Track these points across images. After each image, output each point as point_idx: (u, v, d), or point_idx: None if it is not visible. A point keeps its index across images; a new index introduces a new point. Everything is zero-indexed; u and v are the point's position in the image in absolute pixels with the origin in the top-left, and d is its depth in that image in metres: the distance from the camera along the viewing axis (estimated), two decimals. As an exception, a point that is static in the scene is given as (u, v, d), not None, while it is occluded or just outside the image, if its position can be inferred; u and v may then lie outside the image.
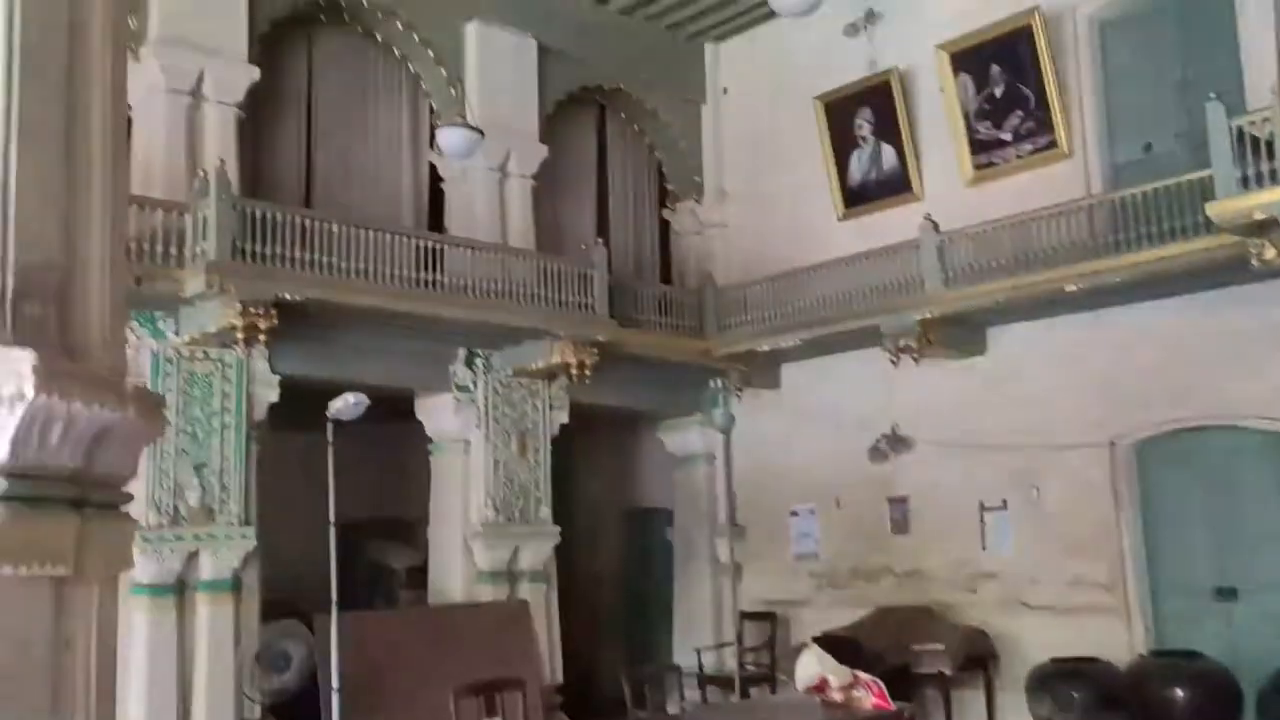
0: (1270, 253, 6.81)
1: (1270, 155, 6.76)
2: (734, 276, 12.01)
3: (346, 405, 6.15)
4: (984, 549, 9.82)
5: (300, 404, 8.25)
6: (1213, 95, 7.07)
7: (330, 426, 6.34)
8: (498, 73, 10.50)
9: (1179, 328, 8.67)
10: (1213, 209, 6.91)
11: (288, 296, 7.97)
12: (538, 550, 10.22)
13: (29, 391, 1.56)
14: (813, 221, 11.41)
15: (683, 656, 11.24)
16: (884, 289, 9.84)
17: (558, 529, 10.40)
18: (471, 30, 10.44)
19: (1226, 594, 8.44)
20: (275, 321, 7.90)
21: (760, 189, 12.10)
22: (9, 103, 1.71)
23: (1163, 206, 8.03)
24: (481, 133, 9.04)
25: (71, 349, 1.76)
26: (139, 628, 7.73)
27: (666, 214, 12.68)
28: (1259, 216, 6.68)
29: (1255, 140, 6.91)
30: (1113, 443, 9.07)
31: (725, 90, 12.56)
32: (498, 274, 9.50)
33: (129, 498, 1.92)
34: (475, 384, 10.05)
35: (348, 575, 10.77)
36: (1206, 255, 7.68)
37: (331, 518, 6.55)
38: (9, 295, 1.66)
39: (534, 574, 10.18)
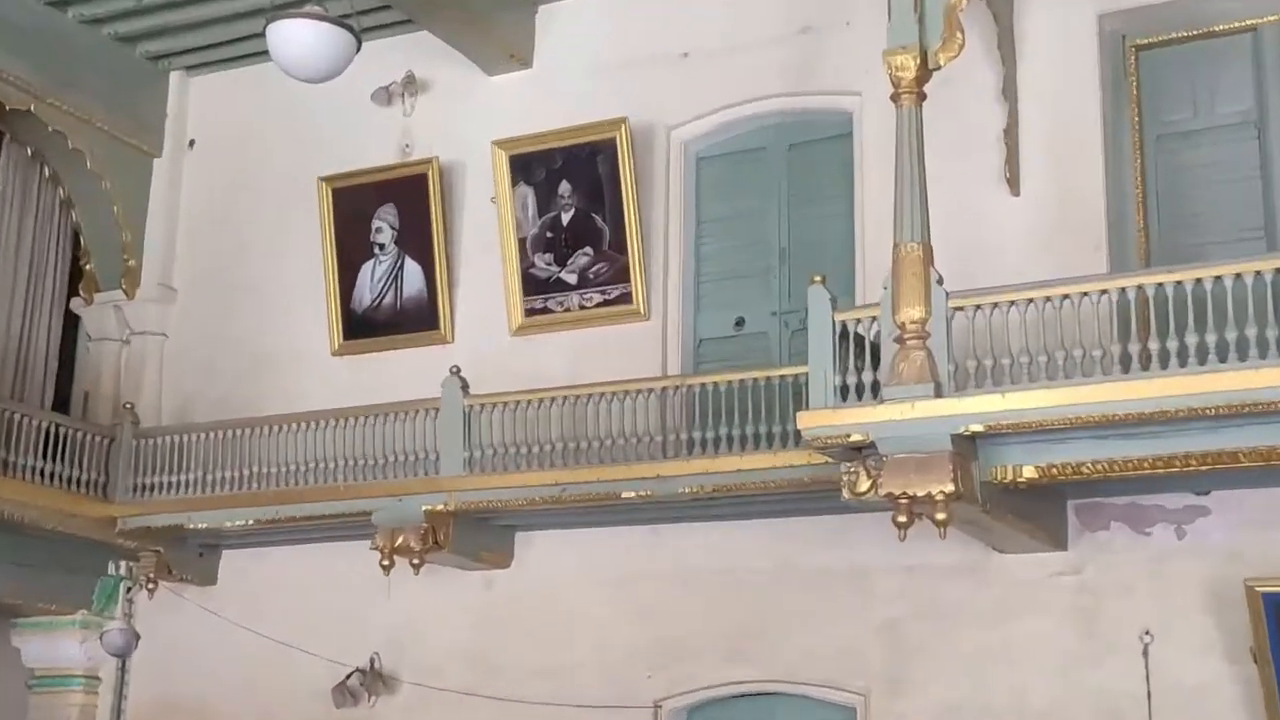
0: (863, 483, 7.73)
1: (875, 363, 7.77)
2: (168, 415, 11.77)
3: None
4: (478, 842, 10.03)
5: None
6: (818, 277, 8.02)
7: None
8: None
9: (750, 560, 9.56)
10: (803, 420, 7.74)
11: None
12: None
13: None
14: (295, 351, 11.52)
15: None
16: (384, 463, 10.00)
17: None
18: None
19: None
20: None
21: (224, 292, 12.04)
22: None
23: (749, 404, 8.87)
24: None
25: None
26: None
27: (77, 306, 12.16)
28: (855, 438, 7.60)
29: (860, 341, 7.90)
30: (658, 705, 9.70)
31: (192, 143, 12.49)
32: None
33: None
34: None
35: None
36: (792, 474, 8.56)
37: None
38: None
39: None
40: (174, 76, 12.47)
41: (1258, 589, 7.79)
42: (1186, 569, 8.41)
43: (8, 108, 11.13)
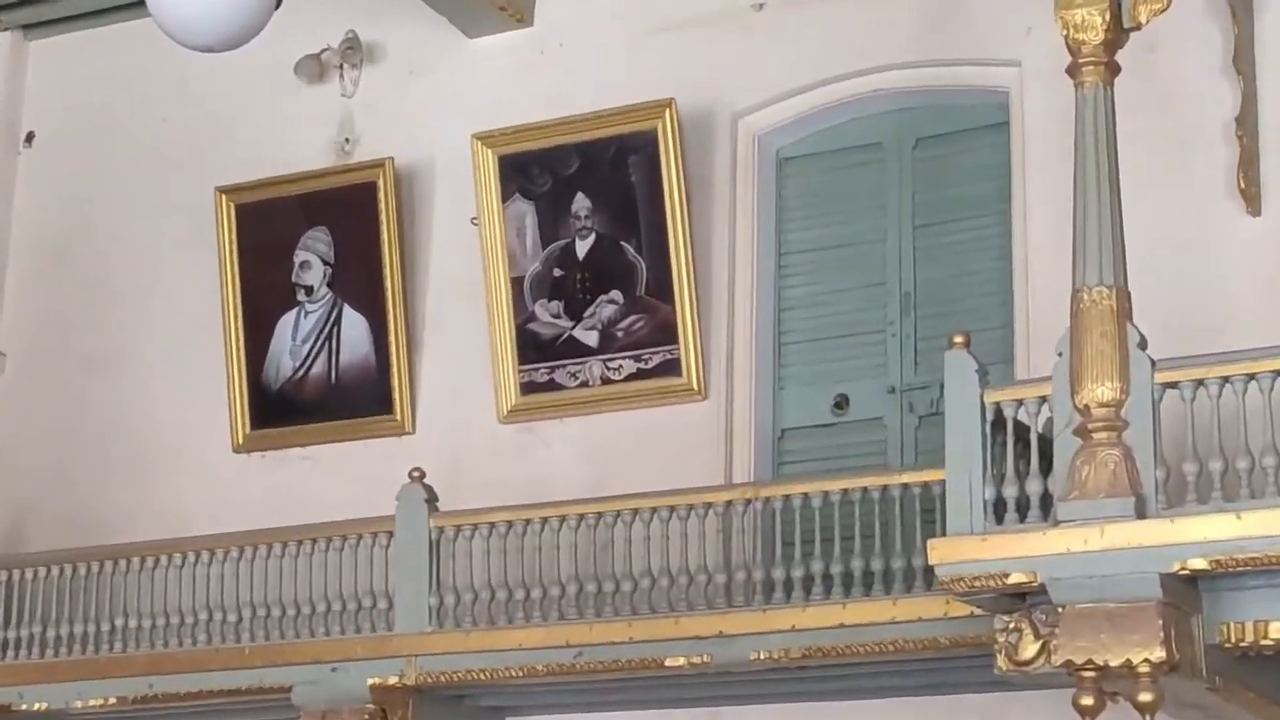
0: (1029, 647, 7.68)
1: (1046, 466, 7.77)
2: (-5, 541, 11.84)
3: None
4: None
5: None
6: (959, 338, 8.02)
7: None
8: None
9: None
10: (939, 551, 7.70)
11: None
12: None
13: None
14: (181, 445, 11.67)
15: None
16: (310, 615, 10.04)
17: None
18: None
19: None
20: None
21: (75, 359, 12.22)
22: None
23: (856, 526, 8.85)
24: None
25: None
26: None
27: None
28: (1016, 578, 7.56)
29: (1024, 434, 7.89)
30: None
31: (30, 137, 12.74)
32: None
33: None
34: None
35: None
36: (922, 632, 8.52)
37: None
38: None
39: None
40: (4, 40, 12.72)
41: None
42: None
43: None
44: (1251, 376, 7.46)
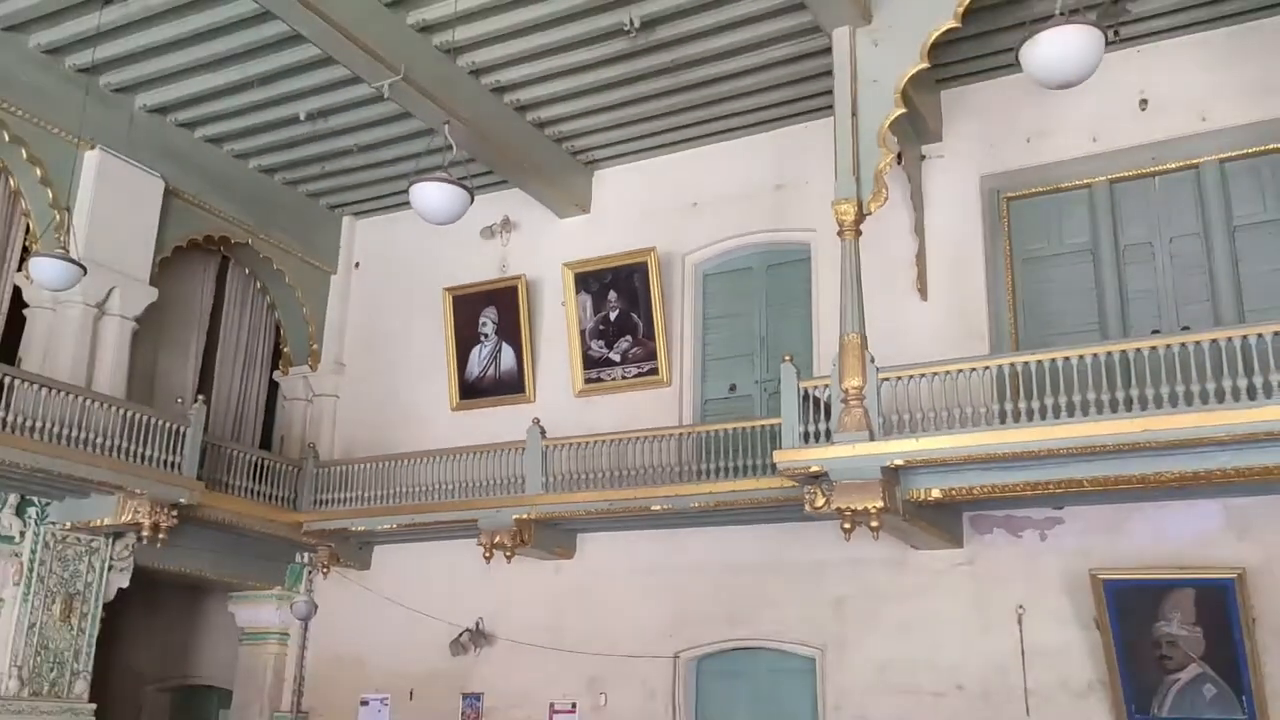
0: (820, 500, 7.70)
1: (827, 416, 7.76)
2: (339, 451, 11.76)
3: None
4: (548, 752, 9.93)
5: None
6: (787, 357, 8.04)
7: None
8: (114, 205, 9.81)
9: (742, 555, 9.49)
10: (778, 456, 7.75)
11: None
12: (63, 732, 9.00)
13: None
14: (425, 407, 11.50)
15: None
16: (486, 485, 9.99)
17: (93, 707, 9.25)
18: (91, 158, 9.71)
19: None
20: None
21: (378, 366, 12.07)
22: None
23: (740, 445, 8.88)
24: (83, 268, 8.20)
25: None
26: None
27: (277, 376, 12.22)
28: (814, 469, 7.59)
29: (817, 401, 7.90)
30: (676, 655, 9.61)
31: (358, 265, 12.56)
32: (75, 418, 8.63)
33: None
34: (23, 535, 8.94)
35: None
36: (770, 495, 8.56)
37: None
38: None
39: (52, 760, 8.92)
40: (345, 219, 12.61)
41: (1100, 576, 7.77)
42: (1049, 562, 8.34)
43: (233, 241, 11.31)
44: (923, 375, 7.50)
